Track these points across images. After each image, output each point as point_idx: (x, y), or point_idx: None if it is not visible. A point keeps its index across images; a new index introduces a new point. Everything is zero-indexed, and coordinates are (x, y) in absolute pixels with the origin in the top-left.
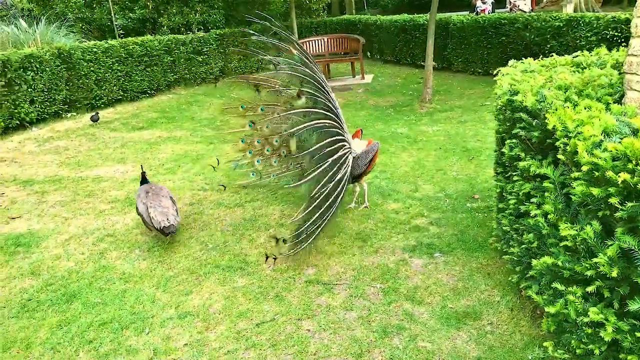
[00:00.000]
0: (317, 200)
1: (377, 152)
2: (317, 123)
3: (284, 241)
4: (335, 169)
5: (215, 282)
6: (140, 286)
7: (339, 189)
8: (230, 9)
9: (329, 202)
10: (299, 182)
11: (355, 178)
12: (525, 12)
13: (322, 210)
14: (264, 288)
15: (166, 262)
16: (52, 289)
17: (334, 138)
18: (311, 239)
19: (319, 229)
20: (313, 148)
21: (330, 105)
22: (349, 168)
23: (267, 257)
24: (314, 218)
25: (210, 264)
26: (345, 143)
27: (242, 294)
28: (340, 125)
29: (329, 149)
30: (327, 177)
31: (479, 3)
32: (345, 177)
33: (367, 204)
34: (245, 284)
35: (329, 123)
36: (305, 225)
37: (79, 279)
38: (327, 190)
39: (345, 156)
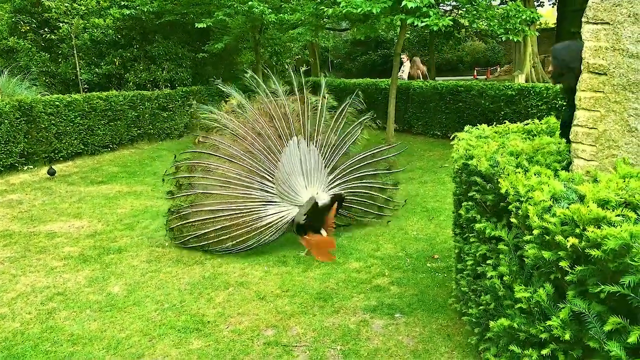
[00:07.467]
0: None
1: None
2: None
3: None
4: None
5: (169, 344)
6: (89, 349)
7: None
8: (198, 67)
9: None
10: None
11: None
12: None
13: (229, 230)
14: (220, 351)
15: (118, 323)
16: None
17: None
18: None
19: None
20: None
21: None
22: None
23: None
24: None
25: (165, 325)
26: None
27: (197, 357)
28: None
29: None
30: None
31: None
32: (267, 219)
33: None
34: (201, 346)
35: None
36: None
37: (24, 341)
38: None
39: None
